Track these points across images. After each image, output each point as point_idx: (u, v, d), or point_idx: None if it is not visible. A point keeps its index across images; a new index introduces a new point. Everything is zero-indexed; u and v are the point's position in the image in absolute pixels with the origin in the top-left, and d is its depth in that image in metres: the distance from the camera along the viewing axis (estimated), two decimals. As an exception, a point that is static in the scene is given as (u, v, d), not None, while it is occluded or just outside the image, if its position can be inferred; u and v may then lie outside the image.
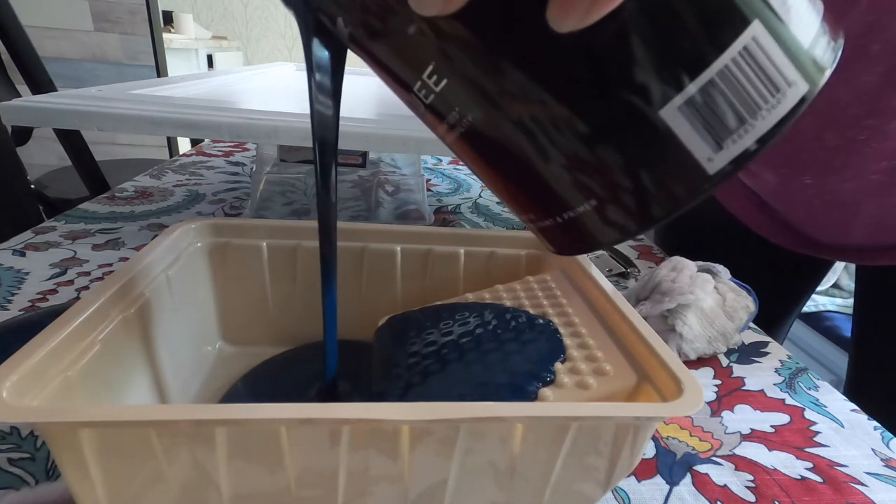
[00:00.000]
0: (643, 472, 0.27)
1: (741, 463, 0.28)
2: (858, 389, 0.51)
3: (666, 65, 0.12)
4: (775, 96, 0.12)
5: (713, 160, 0.12)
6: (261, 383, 0.28)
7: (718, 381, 0.35)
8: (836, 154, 0.39)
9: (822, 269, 0.58)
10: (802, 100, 0.12)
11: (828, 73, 0.12)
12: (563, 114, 0.13)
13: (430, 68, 0.14)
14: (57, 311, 0.21)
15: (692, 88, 0.12)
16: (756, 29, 0.12)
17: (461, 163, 0.87)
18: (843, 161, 0.39)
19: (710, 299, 0.36)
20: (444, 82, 0.14)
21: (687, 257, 0.39)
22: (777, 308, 0.59)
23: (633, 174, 0.13)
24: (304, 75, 0.93)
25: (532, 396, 0.21)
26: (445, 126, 0.15)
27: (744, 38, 0.11)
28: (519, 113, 0.13)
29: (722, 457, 0.28)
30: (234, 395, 0.27)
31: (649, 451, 0.28)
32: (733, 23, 0.11)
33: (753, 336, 0.41)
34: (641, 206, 0.13)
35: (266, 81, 0.78)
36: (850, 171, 0.40)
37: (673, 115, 0.12)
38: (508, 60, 0.13)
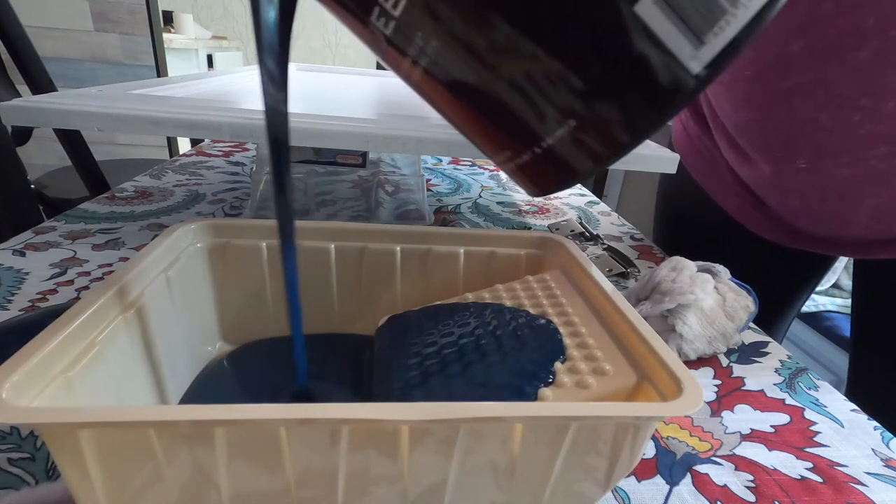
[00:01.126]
0: (643, 472, 0.27)
1: (741, 463, 0.28)
2: (859, 388, 0.51)
3: None
4: None
5: (696, 58, 0.12)
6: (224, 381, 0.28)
7: (718, 381, 0.35)
8: (830, 136, 0.38)
9: (822, 268, 0.58)
10: None
11: None
12: (535, 21, 0.12)
13: None
14: (57, 311, 0.21)
15: None
16: None
17: (460, 161, 0.87)
18: (838, 144, 0.38)
19: (710, 299, 0.36)
20: (403, 2, 0.13)
21: (687, 257, 0.39)
22: (776, 308, 0.59)
23: (612, 83, 0.12)
24: (304, 75, 0.93)
25: (532, 396, 0.21)
26: (409, 61, 0.14)
27: None
28: (487, 26, 0.12)
29: (722, 457, 0.28)
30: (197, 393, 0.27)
31: (649, 451, 0.28)
32: None
33: (753, 336, 0.41)
34: (626, 117, 0.13)
35: (266, 81, 0.77)
36: (845, 154, 0.39)
37: (649, 9, 0.11)
38: None
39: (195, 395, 0.27)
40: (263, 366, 0.29)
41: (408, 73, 0.15)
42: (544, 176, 0.15)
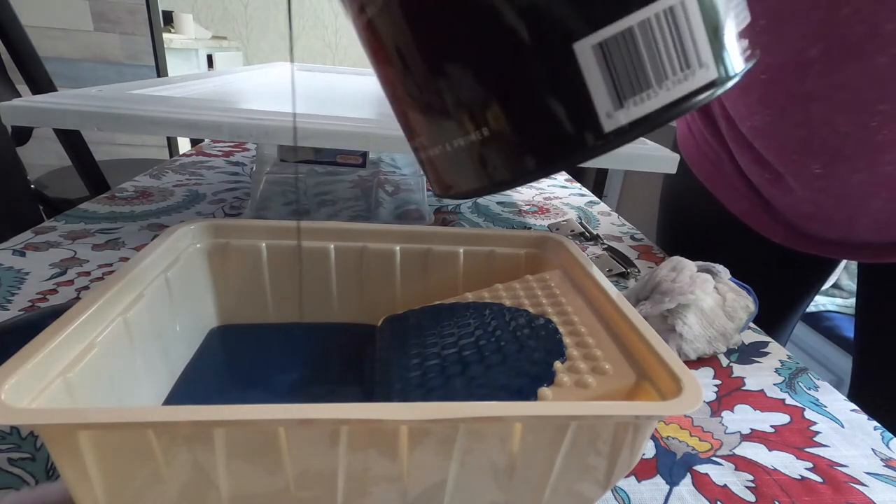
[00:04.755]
0: (643, 472, 0.27)
1: (741, 463, 0.28)
2: (863, 390, 0.51)
3: None
4: (684, 70, 0.12)
5: (611, 117, 0.12)
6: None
7: (718, 381, 0.35)
8: (846, 140, 0.38)
9: (825, 269, 0.58)
10: (708, 85, 0.12)
11: (737, 76, 0.12)
12: (478, 18, 0.12)
13: None
14: (57, 311, 0.21)
15: (612, 29, 0.11)
16: None
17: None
18: (854, 149, 0.38)
19: (710, 299, 0.36)
20: None
21: (687, 257, 0.39)
22: (779, 309, 0.59)
23: (530, 109, 0.12)
24: (304, 75, 0.93)
25: (531, 396, 0.21)
26: (358, 5, 0.14)
27: None
28: (433, 6, 0.12)
29: (722, 457, 0.28)
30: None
31: (649, 451, 0.28)
32: None
33: (753, 336, 0.41)
34: (531, 148, 0.13)
35: (266, 81, 0.78)
36: (861, 160, 0.38)
37: (586, 52, 0.11)
38: None
39: (192, 390, 0.27)
40: (260, 356, 0.29)
41: (355, 17, 0.14)
42: (448, 177, 0.15)
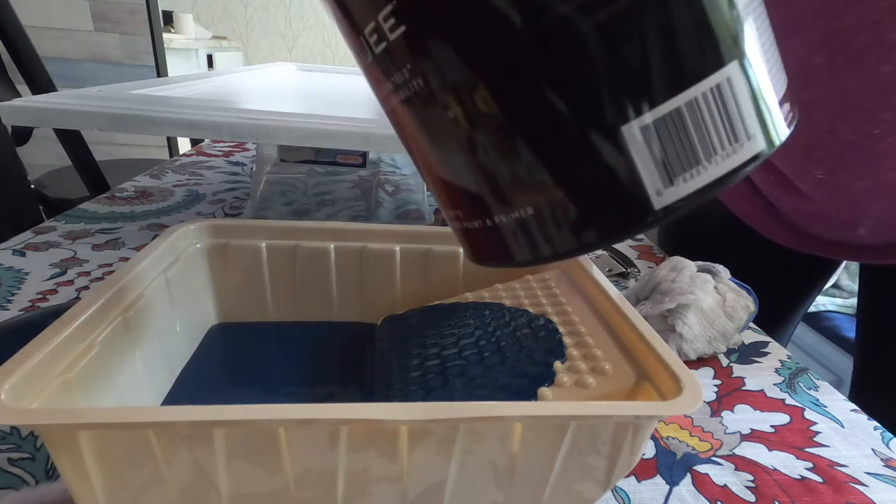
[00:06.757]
0: (643, 472, 0.27)
1: (741, 463, 0.28)
2: (863, 390, 0.51)
3: (645, 78, 0.11)
4: (732, 145, 0.12)
5: (662, 194, 0.12)
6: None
7: (718, 381, 0.35)
8: (849, 148, 0.38)
9: (827, 270, 0.58)
10: (756, 157, 0.12)
11: (782, 140, 0.12)
12: (525, 103, 0.12)
13: (389, 7, 0.12)
14: (57, 311, 0.21)
15: (660, 111, 0.11)
16: (732, 70, 0.11)
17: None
18: (856, 156, 0.38)
19: (710, 299, 0.36)
20: (400, 29, 0.12)
21: (687, 257, 0.39)
22: (781, 310, 0.58)
23: (577, 190, 0.12)
24: (304, 75, 0.93)
25: (531, 396, 0.21)
26: (390, 86, 0.14)
27: (719, 75, 0.11)
28: (470, 89, 0.12)
29: (722, 457, 0.28)
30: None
31: (649, 451, 0.28)
32: (715, 54, 0.11)
33: (753, 336, 0.41)
34: (577, 227, 0.13)
35: (266, 81, 0.78)
36: (864, 167, 0.39)
37: (634, 134, 0.11)
38: (481, 18, 0.11)
39: (192, 389, 0.27)
40: (260, 355, 0.29)
41: (385, 97, 0.14)
42: (485, 250, 0.15)
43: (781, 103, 0.13)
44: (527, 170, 0.13)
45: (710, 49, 0.11)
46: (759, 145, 0.12)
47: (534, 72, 0.11)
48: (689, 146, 0.12)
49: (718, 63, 0.11)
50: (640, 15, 0.11)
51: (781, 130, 0.12)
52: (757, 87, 0.12)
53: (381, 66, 0.13)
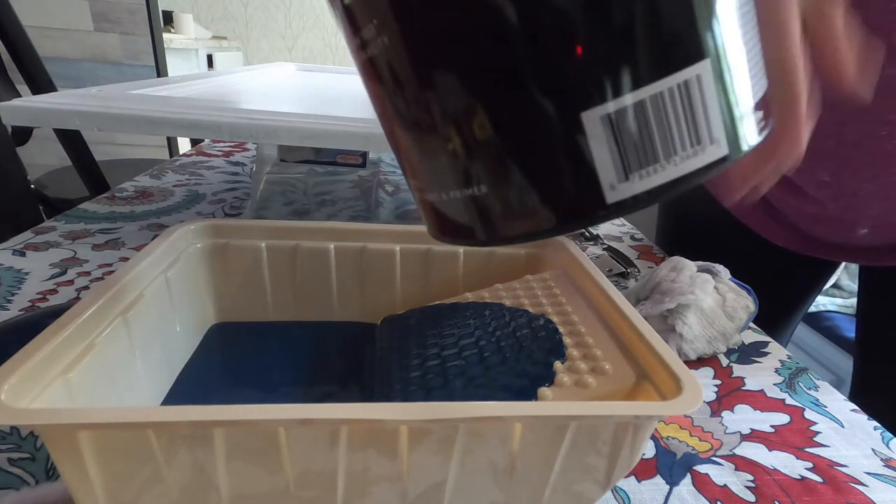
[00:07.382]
0: (643, 472, 0.27)
1: (741, 463, 0.28)
2: (863, 390, 0.51)
3: (611, 64, 0.11)
4: (694, 147, 0.11)
5: (615, 189, 0.11)
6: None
7: (718, 381, 0.35)
8: (855, 150, 0.38)
9: (826, 271, 0.58)
10: (717, 162, 0.12)
11: (750, 147, 0.12)
12: (486, 77, 0.11)
13: None
14: (57, 311, 0.21)
15: (622, 102, 0.11)
16: (703, 69, 0.11)
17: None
18: (862, 158, 0.38)
19: (710, 299, 0.36)
20: None
21: (687, 257, 0.39)
22: (781, 311, 0.58)
23: (530, 173, 0.12)
24: (304, 75, 0.93)
25: (531, 396, 0.21)
26: (359, 41, 0.13)
27: (688, 72, 0.11)
28: (442, 56, 0.12)
29: (722, 457, 0.28)
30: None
31: (649, 451, 0.28)
32: (687, 49, 0.11)
33: (753, 336, 0.41)
34: (528, 212, 0.12)
35: (266, 81, 0.78)
36: (869, 170, 0.39)
37: (594, 122, 0.11)
38: None
39: (192, 388, 0.27)
40: (260, 355, 0.29)
41: (354, 53, 0.14)
42: (441, 224, 0.15)
43: (755, 109, 0.12)
44: (482, 145, 0.12)
45: (680, 44, 0.11)
46: (722, 151, 0.12)
47: (498, 50, 0.11)
48: (650, 142, 0.11)
49: (689, 59, 0.11)
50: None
51: (751, 138, 0.12)
52: (730, 90, 0.11)
53: (350, 16, 0.13)
